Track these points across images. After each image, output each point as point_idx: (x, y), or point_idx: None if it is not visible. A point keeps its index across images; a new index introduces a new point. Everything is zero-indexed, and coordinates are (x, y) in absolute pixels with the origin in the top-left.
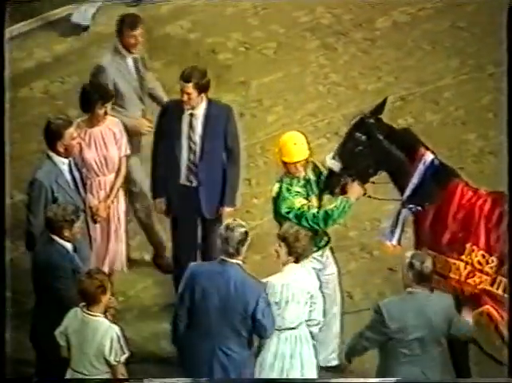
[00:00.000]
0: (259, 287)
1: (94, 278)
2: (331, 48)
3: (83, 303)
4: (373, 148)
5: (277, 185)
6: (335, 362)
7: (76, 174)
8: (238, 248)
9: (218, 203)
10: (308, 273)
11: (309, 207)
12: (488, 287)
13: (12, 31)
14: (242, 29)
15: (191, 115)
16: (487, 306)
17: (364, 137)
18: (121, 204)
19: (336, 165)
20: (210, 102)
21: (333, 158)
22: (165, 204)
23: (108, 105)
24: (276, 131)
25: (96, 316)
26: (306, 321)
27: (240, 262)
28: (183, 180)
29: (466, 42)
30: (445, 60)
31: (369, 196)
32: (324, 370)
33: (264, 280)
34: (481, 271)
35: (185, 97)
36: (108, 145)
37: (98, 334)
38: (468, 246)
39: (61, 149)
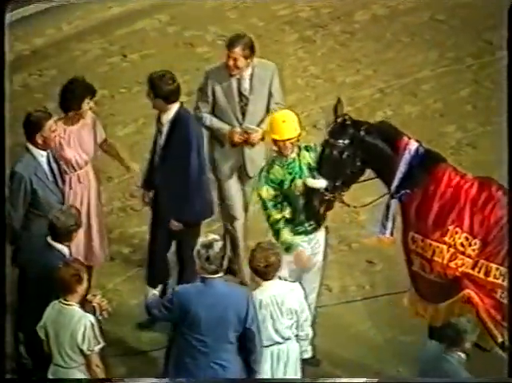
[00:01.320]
0: (246, 294)
1: (70, 266)
2: (309, 41)
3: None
4: (359, 149)
5: (264, 162)
6: (307, 355)
7: (54, 166)
8: (221, 263)
9: (185, 210)
10: (290, 288)
11: (270, 199)
12: (469, 270)
13: None
14: (221, 22)
15: (160, 122)
16: (468, 291)
17: (347, 141)
18: (94, 195)
19: (321, 183)
20: (181, 107)
21: (314, 178)
22: (150, 198)
23: (92, 100)
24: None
25: (71, 305)
26: (296, 335)
27: (221, 275)
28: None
29: (445, 35)
30: (424, 52)
31: (355, 206)
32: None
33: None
34: (463, 254)
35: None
36: (85, 140)
37: (72, 322)
38: (451, 228)
39: (40, 141)
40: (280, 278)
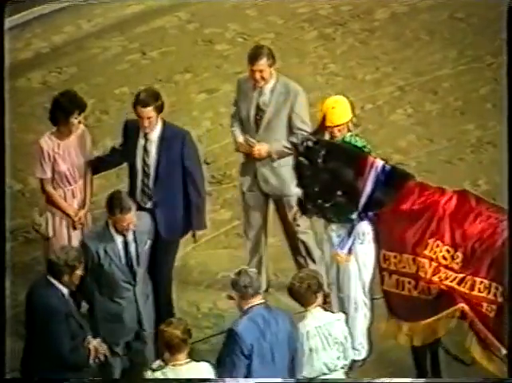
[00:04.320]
0: (290, 314)
1: (178, 325)
2: (329, 38)
3: (157, 363)
4: (320, 172)
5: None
6: (359, 356)
7: (133, 246)
8: (259, 286)
9: (178, 225)
10: (336, 317)
11: None
12: (455, 285)
13: (10, 22)
14: (240, 20)
15: (146, 139)
16: (461, 304)
17: (306, 161)
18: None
19: (298, 192)
20: (165, 125)
21: (297, 186)
22: None
23: (82, 115)
24: None
25: (186, 363)
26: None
27: (263, 300)
28: (138, 200)
29: (465, 33)
30: (443, 50)
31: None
32: None
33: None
34: (446, 267)
35: (146, 122)
36: (77, 154)
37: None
38: (431, 241)
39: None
40: (325, 309)
